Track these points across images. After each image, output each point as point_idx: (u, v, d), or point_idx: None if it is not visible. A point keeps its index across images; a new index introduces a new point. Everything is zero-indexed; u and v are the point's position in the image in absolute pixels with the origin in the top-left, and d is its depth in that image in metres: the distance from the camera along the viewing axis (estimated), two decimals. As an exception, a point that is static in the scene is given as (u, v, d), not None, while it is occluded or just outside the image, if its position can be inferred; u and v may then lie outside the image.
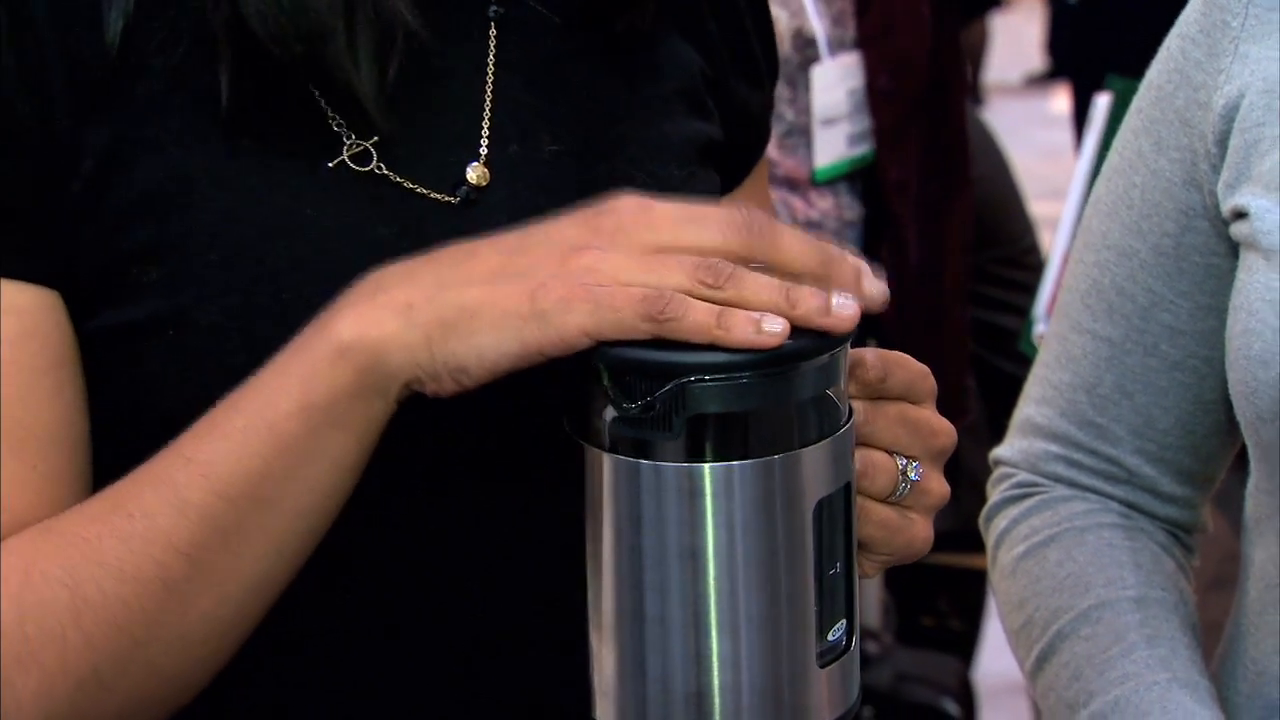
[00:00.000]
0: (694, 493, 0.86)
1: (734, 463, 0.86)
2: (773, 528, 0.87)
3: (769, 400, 0.86)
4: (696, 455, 0.86)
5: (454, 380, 0.87)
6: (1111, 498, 1.26)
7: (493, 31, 1.05)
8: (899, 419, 0.95)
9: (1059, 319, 1.26)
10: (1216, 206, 1.16)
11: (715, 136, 1.13)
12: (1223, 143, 1.15)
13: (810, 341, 0.86)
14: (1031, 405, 1.29)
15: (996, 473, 1.32)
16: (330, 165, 0.99)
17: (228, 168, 0.97)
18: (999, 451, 1.31)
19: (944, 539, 3.22)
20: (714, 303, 0.85)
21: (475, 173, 1.02)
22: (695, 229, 0.87)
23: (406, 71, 0.99)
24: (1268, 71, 1.14)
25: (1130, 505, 1.26)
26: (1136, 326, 1.21)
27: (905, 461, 0.95)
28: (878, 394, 0.94)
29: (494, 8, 1.05)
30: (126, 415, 0.97)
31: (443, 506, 1.00)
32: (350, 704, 1.02)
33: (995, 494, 1.30)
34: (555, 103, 1.06)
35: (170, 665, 0.93)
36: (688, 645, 0.87)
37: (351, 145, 1.00)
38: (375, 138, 0.99)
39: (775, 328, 0.84)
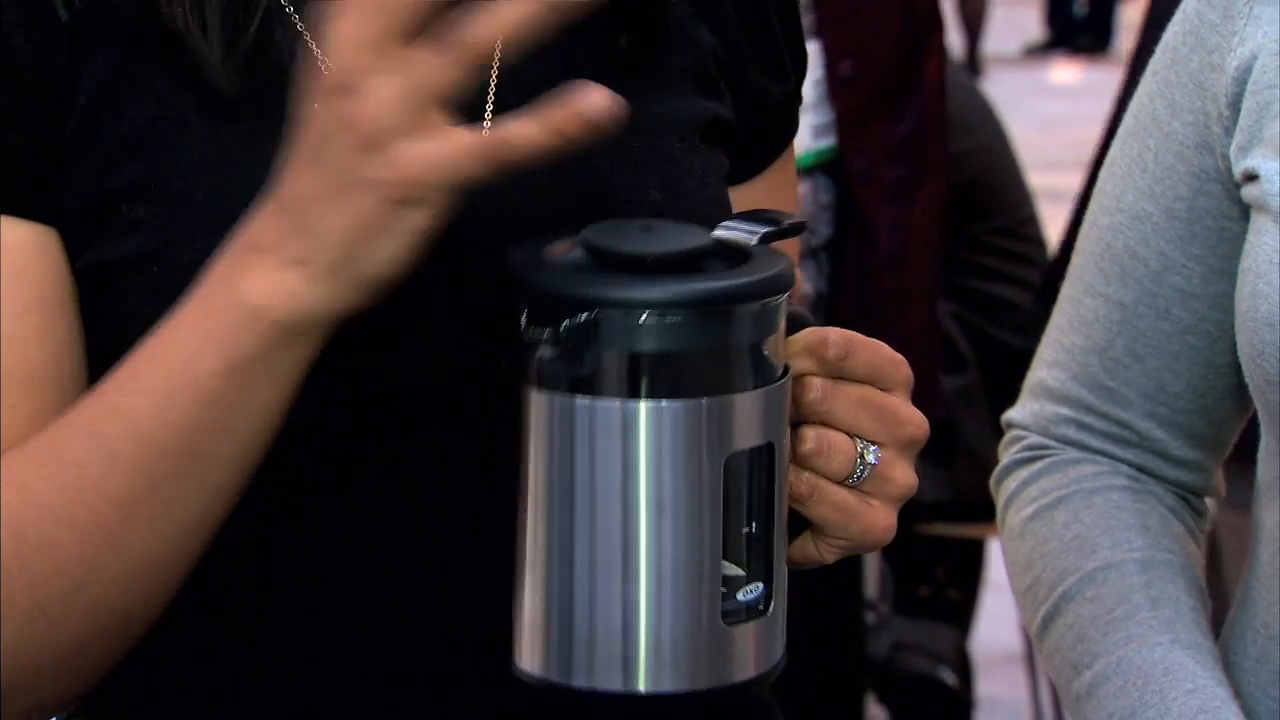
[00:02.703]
0: (626, 429, 0.86)
1: (664, 400, 0.86)
2: (696, 471, 0.86)
3: (686, 340, 0.86)
4: (631, 392, 0.86)
5: (372, 295, 0.88)
6: (1122, 461, 1.26)
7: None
8: (860, 401, 0.95)
9: (1072, 282, 1.26)
10: (1229, 169, 1.16)
11: (724, 116, 1.13)
12: (1235, 105, 1.15)
13: (729, 285, 0.86)
14: (1044, 368, 1.29)
15: (1008, 435, 1.32)
16: None
17: (219, 111, 0.97)
18: (1011, 414, 1.32)
19: (941, 509, 3.22)
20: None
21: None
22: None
23: None
24: (1277, 35, 1.14)
25: (1140, 468, 1.26)
26: (1149, 290, 1.21)
27: (864, 445, 0.95)
28: (839, 373, 0.94)
29: None
30: (113, 352, 0.96)
31: (396, 477, 1.00)
32: (304, 681, 1.01)
33: (1006, 456, 1.31)
34: (556, 73, 1.03)
35: (115, 602, 0.93)
36: (613, 588, 0.87)
37: None
38: None
39: (600, 100, 0.84)
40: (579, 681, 0.88)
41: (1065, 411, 1.27)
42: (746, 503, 0.89)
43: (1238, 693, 1.17)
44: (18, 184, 0.95)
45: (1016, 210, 3.35)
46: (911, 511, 2.93)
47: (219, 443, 0.90)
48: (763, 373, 0.88)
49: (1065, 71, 7.91)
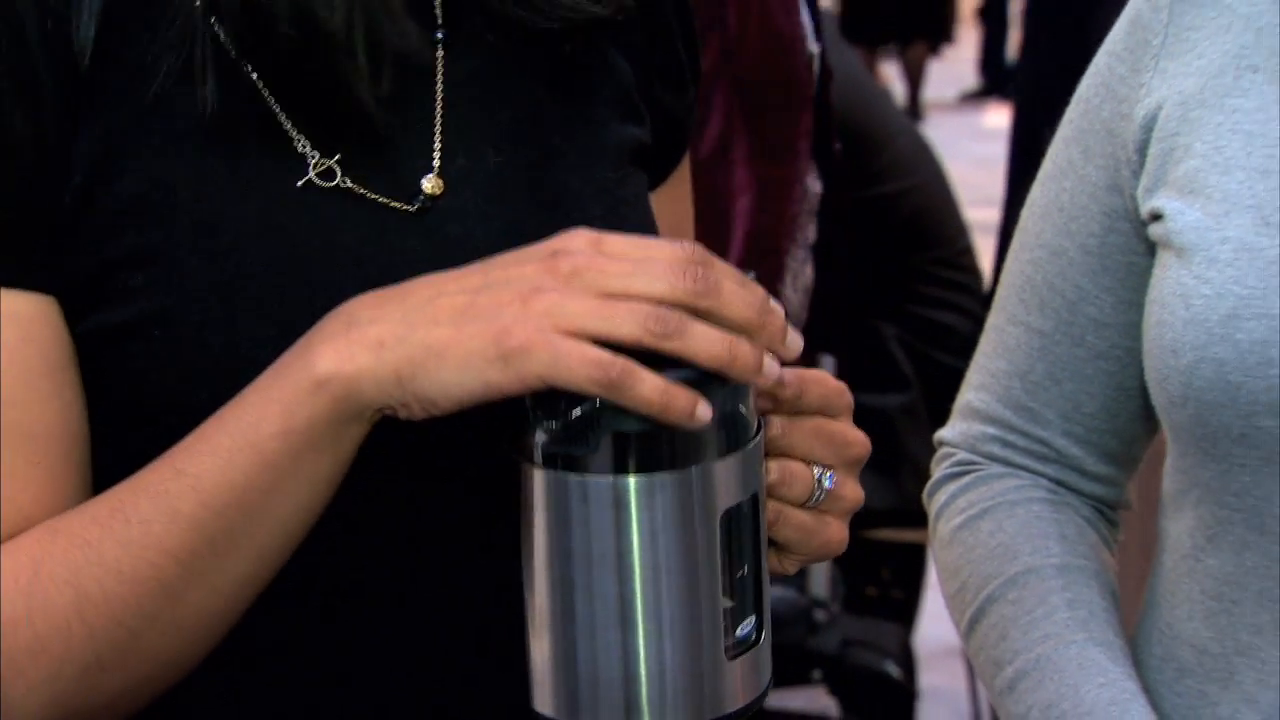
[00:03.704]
0: (618, 503, 0.86)
1: (653, 475, 0.85)
2: (689, 533, 0.86)
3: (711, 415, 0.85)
4: (619, 469, 0.85)
5: (423, 409, 0.87)
6: (1042, 475, 1.26)
7: (440, 54, 1.04)
8: (815, 432, 0.95)
9: (997, 312, 1.26)
10: (1136, 209, 1.16)
11: (645, 140, 1.12)
12: (1142, 151, 1.15)
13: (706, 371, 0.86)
14: (971, 391, 1.29)
15: (939, 452, 1.31)
16: (299, 185, 0.98)
17: (205, 179, 0.96)
18: (942, 433, 1.31)
19: (887, 516, 3.21)
20: (661, 351, 0.84)
21: (430, 183, 1.01)
22: (646, 278, 0.85)
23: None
24: (1183, 86, 1.14)
25: (1058, 482, 1.25)
26: (1065, 319, 1.21)
27: (821, 471, 0.95)
28: (795, 409, 0.94)
29: (438, 33, 1.04)
30: (118, 411, 0.96)
31: (410, 521, 0.99)
32: (320, 706, 1.01)
33: (937, 471, 1.30)
34: (498, 116, 1.06)
35: (164, 651, 0.93)
36: (613, 640, 0.87)
37: (317, 163, 0.98)
38: (338, 156, 0.98)
39: (706, 413, 0.84)
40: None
41: (990, 430, 1.27)
42: (739, 548, 0.89)
43: (1146, 688, 1.16)
44: (20, 258, 0.93)
45: (954, 243, 3.35)
46: (859, 518, 2.93)
47: (273, 504, 0.90)
48: (742, 433, 0.88)
49: (997, 116, 7.90)
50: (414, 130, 1.03)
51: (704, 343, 0.84)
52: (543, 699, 0.89)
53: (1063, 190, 1.21)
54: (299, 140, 0.98)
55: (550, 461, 0.87)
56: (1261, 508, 1.08)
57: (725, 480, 0.87)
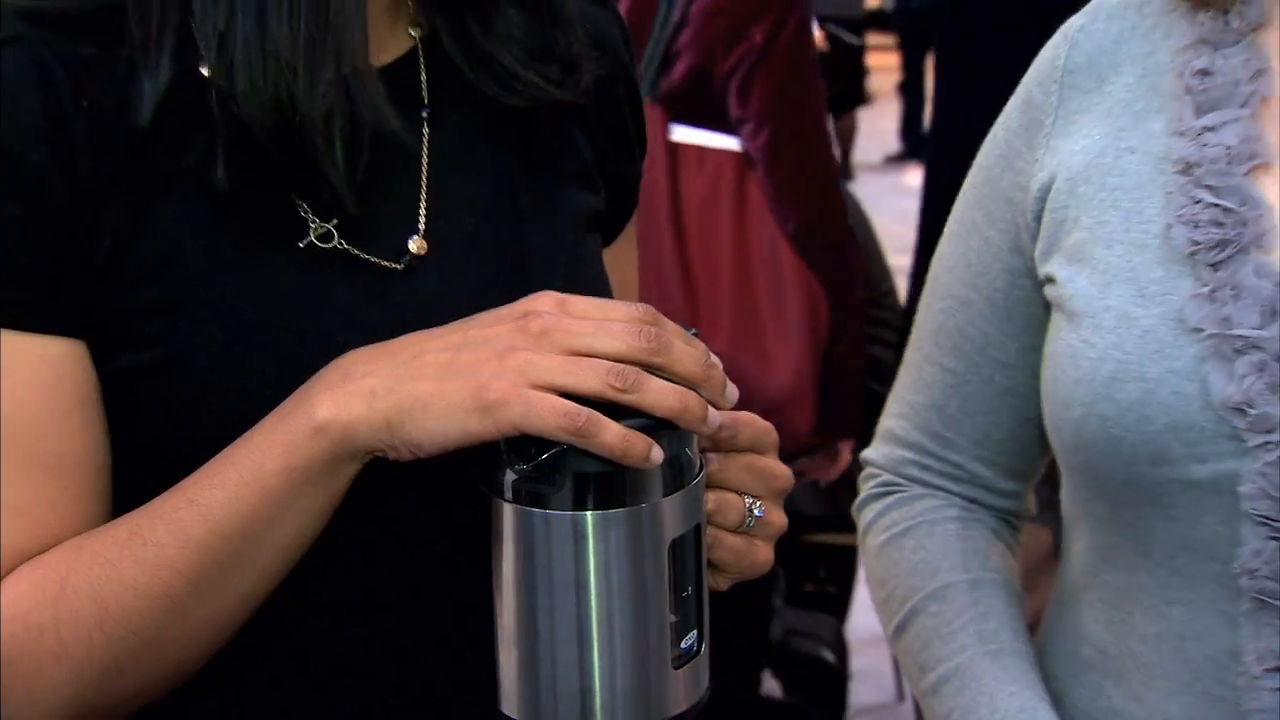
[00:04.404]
0: (577, 535, 0.86)
1: (609, 511, 0.86)
2: (640, 562, 0.86)
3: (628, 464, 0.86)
4: (579, 505, 0.85)
5: (410, 452, 0.87)
6: (956, 494, 1.24)
7: (425, 130, 1.04)
8: (747, 468, 0.95)
9: (914, 350, 1.25)
10: (1035, 269, 1.14)
11: (600, 207, 1.12)
12: (1038, 219, 1.13)
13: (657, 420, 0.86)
14: (892, 419, 1.27)
15: (865, 471, 1.30)
16: (300, 245, 0.97)
17: (217, 241, 0.95)
18: (867, 454, 1.30)
19: (824, 522, 3.19)
20: (622, 404, 0.84)
21: (416, 244, 1.01)
22: (606, 337, 0.86)
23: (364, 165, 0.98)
24: (1070, 163, 1.11)
25: (970, 499, 1.24)
26: (975, 361, 1.20)
27: (751, 501, 0.95)
28: (730, 448, 0.94)
29: (425, 110, 1.04)
30: (138, 442, 0.95)
31: (393, 547, 0.99)
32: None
33: (864, 489, 1.29)
34: (475, 185, 1.05)
35: (174, 658, 0.92)
36: (572, 654, 0.87)
37: (316, 227, 0.98)
38: (335, 220, 0.97)
39: (659, 457, 0.84)
40: None
41: (910, 455, 1.25)
42: (684, 572, 0.89)
43: (1053, 678, 1.16)
44: (56, 308, 0.92)
45: (879, 286, 3.35)
46: (801, 524, 2.90)
47: (273, 531, 0.89)
48: (687, 473, 0.88)
49: (915, 176, 7.93)
50: (403, 195, 1.02)
51: (658, 396, 0.85)
52: (510, 704, 0.89)
53: (969, 249, 1.19)
54: (301, 206, 0.97)
55: (518, 497, 0.86)
56: (1146, 538, 1.06)
57: (672, 515, 0.88)
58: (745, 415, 0.94)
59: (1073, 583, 1.17)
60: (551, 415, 0.83)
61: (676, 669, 0.89)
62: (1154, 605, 1.07)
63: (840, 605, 3.28)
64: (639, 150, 1.17)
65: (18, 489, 0.92)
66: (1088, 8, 1.15)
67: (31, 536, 0.92)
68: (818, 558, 3.17)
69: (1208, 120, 1.05)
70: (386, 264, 1.00)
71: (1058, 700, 1.13)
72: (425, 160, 1.03)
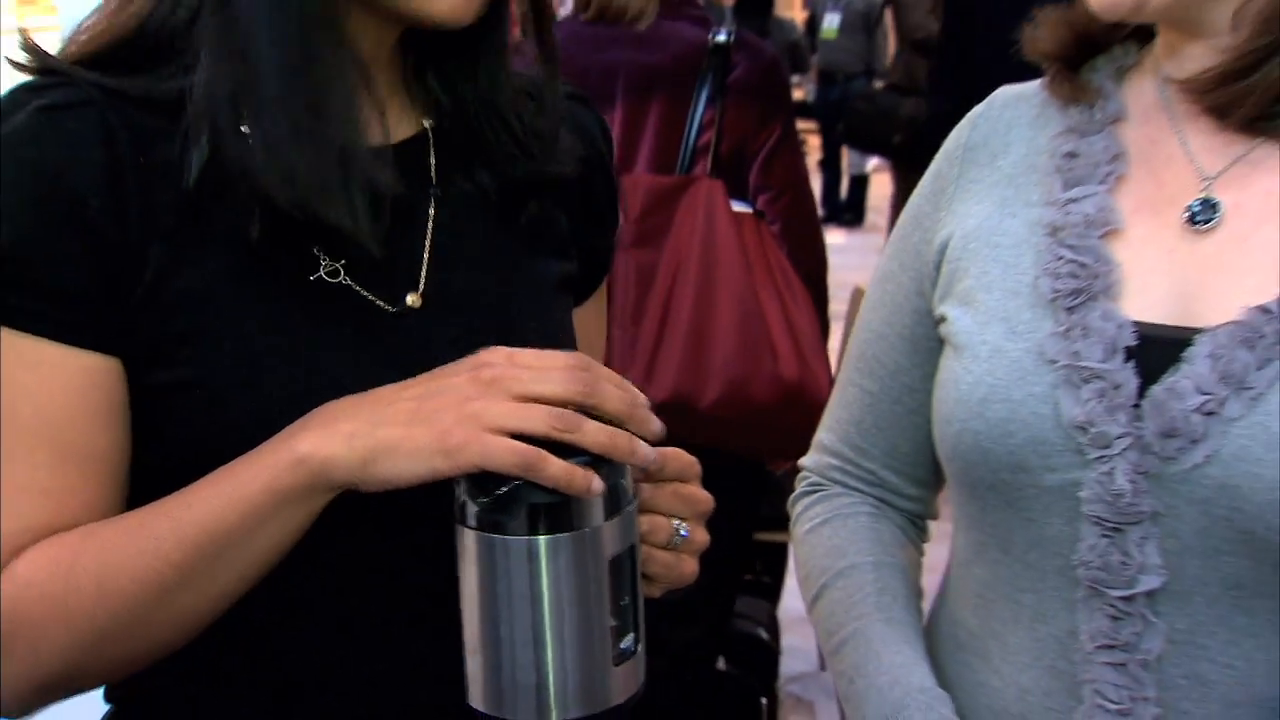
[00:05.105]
0: (531, 557, 0.85)
1: (558, 536, 0.85)
2: (584, 577, 0.86)
3: (571, 494, 0.86)
4: (532, 531, 0.85)
5: (380, 487, 0.86)
6: (870, 495, 1.25)
7: (433, 204, 1.05)
8: (674, 494, 0.95)
9: (842, 373, 1.25)
10: (934, 311, 1.16)
11: (573, 273, 1.13)
12: (938, 268, 1.15)
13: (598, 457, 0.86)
14: (824, 431, 1.28)
15: (800, 475, 1.31)
16: (311, 279, 0.98)
17: (240, 278, 0.95)
18: (803, 460, 1.31)
19: (761, 521, 3.18)
20: (564, 443, 0.84)
21: (412, 297, 1.01)
22: (547, 384, 0.86)
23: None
24: (966, 224, 1.14)
25: (881, 500, 1.25)
26: (888, 385, 1.21)
27: (678, 523, 0.95)
28: (660, 478, 0.94)
29: (434, 189, 1.05)
30: (159, 450, 0.95)
31: (363, 566, 0.99)
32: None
33: (797, 489, 1.30)
34: (467, 251, 1.05)
35: (158, 636, 0.92)
36: (529, 656, 0.86)
37: (327, 265, 0.98)
38: (343, 260, 0.98)
39: (599, 487, 0.84)
40: (508, 715, 0.88)
41: (834, 462, 1.27)
42: (622, 584, 0.89)
43: (936, 656, 1.16)
44: (100, 329, 0.93)
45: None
46: (743, 521, 2.87)
47: (254, 540, 0.89)
48: (623, 499, 0.88)
49: (835, 236, 7.96)
50: (408, 253, 1.02)
51: (593, 434, 0.85)
52: (475, 697, 0.89)
53: (886, 291, 1.21)
54: (316, 246, 0.98)
55: (481, 525, 0.86)
56: (1007, 537, 1.07)
57: (611, 536, 0.87)
58: (672, 450, 0.93)
59: (953, 575, 1.19)
60: (506, 455, 0.83)
61: (616, 666, 0.88)
62: (1010, 594, 1.07)
63: (773, 592, 3.26)
64: (610, 225, 1.18)
65: (47, 474, 0.91)
66: (989, 98, 1.18)
67: (55, 516, 0.91)
68: (755, 551, 3.14)
69: (1073, 193, 1.08)
70: (385, 307, 0.99)
71: (939, 675, 1.13)
72: (430, 227, 1.04)
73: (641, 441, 0.88)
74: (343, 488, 0.87)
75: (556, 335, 1.08)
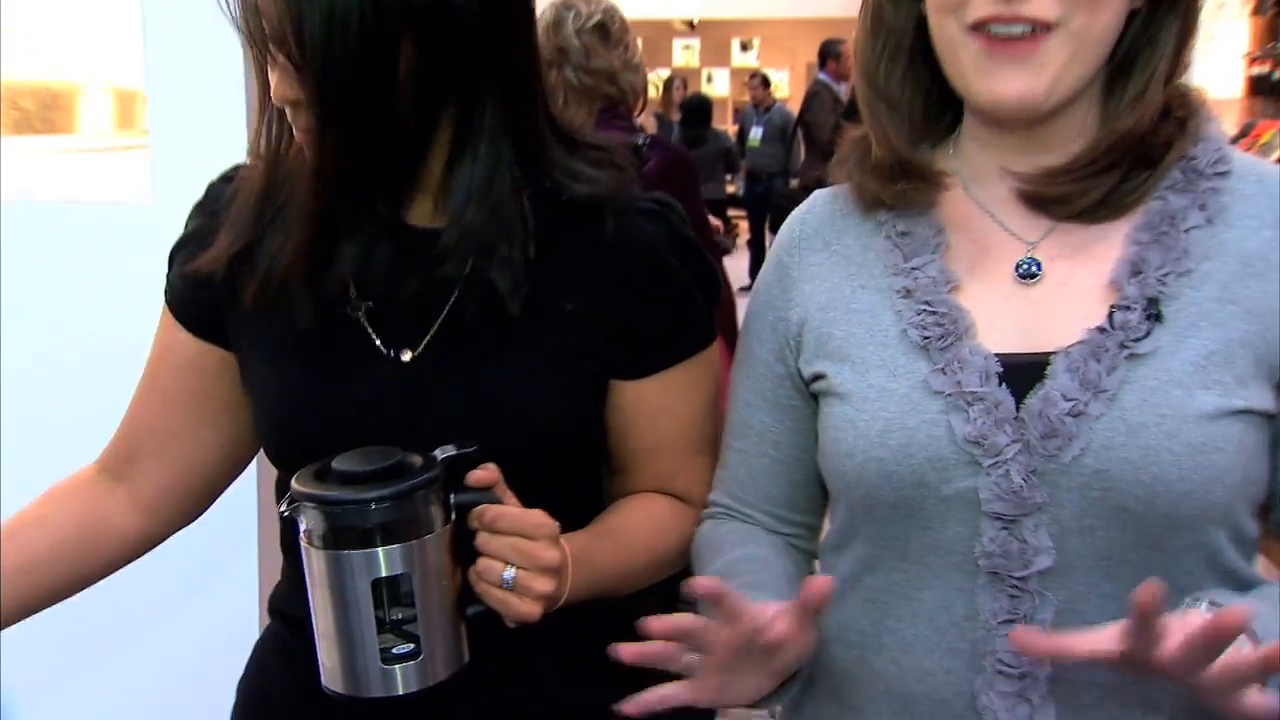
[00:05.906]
0: (309, 565, 0.97)
1: (326, 551, 0.96)
2: (354, 588, 0.96)
3: (362, 521, 0.96)
4: (324, 546, 0.97)
5: None
6: (756, 525, 1.24)
7: (460, 284, 1.07)
8: (509, 545, 1.00)
9: (721, 442, 1.27)
10: (799, 374, 1.17)
11: (599, 346, 1.13)
12: (799, 339, 1.17)
13: (388, 491, 0.95)
14: (712, 493, 1.27)
15: (707, 509, 1.28)
16: (336, 312, 1.06)
17: (290, 314, 1.06)
18: (710, 496, 1.28)
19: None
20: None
21: (407, 356, 1.05)
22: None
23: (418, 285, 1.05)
24: (817, 299, 1.16)
25: (767, 529, 1.23)
26: (755, 443, 1.20)
27: (506, 568, 1.00)
28: (493, 530, 0.99)
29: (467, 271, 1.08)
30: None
31: None
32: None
33: (703, 516, 1.29)
34: (478, 325, 1.07)
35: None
36: (340, 649, 0.98)
37: (355, 303, 1.06)
38: (369, 303, 1.06)
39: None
40: (337, 689, 1.00)
41: (721, 505, 1.26)
42: (397, 603, 0.98)
43: (827, 654, 1.14)
44: (207, 332, 1.11)
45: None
46: None
47: None
48: (402, 533, 0.96)
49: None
50: (428, 316, 1.07)
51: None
52: (327, 680, 1.01)
53: (748, 365, 1.22)
54: (351, 288, 1.06)
55: (312, 542, 0.98)
56: (904, 546, 1.08)
57: (379, 563, 0.96)
58: (515, 511, 1.00)
59: (840, 591, 1.16)
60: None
61: (387, 665, 0.98)
62: (907, 594, 1.08)
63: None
64: (680, 312, 1.18)
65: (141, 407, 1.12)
66: (809, 199, 1.22)
67: (119, 439, 1.14)
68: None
69: (914, 262, 1.12)
70: (387, 353, 1.05)
71: (831, 672, 1.12)
72: (453, 300, 1.06)
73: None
74: None
75: (544, 402, 1.09)
